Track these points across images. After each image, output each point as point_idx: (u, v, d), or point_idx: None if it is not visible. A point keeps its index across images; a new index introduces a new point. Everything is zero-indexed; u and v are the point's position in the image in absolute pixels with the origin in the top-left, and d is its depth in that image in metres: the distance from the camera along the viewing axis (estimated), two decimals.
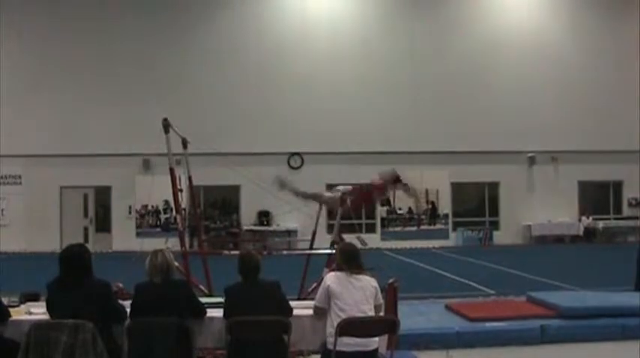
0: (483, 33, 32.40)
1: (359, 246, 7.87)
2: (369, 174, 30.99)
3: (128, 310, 6.94)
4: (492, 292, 15.93)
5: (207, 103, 30.48)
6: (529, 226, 32.17)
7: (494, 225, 32.74)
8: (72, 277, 6.74)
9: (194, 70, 30.98)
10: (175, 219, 11.24)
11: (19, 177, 31.00)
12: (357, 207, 11.35)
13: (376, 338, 7.01)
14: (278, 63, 31.32)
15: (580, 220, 32.57)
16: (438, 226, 32.52)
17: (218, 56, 31.15)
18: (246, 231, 30.97)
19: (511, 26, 32.54)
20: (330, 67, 31.44)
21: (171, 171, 10.36)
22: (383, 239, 31.35)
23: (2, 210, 30.92)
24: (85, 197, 31.49)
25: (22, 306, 7.86)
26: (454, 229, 32.36)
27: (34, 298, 8.27)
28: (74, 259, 6.82)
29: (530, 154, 32.08)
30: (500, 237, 32.07)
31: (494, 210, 32.96)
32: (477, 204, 33.33)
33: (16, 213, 30.59)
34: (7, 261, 25.42)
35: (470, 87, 31.80)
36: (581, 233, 32.30)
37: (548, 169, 32.26)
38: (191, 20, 31.24)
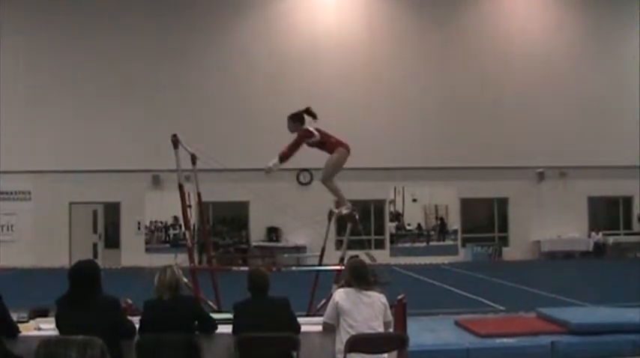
0: (492, 49, 32.39)
1: (368, 261, 7.85)
2: (379, 191, 31.15)
3: (137, 326, 6.93)
4: (502, 308, 15.87)
5: (217, 119, 30.49)
6: (538, 242, 32.06)
7: (504, 241, 32.64)
8: (81, 293, 6.72)
9: (203, 87, 31.01)
10: (184, 235, 11.23)
11: (29, 192, 31.07)
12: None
13: (385, 355, 7.01)
14: (287, 79, 31.31)
15: (590, 236, 32.47)
16: (448, 242, 32.43)
17: (227, 73, 31.20)
18: (255, 247, 30.92)
19: (520, 42, 32.52)
20: (339, 83, 31.43)
21: (181, 187, 10.35)
22: (392, 255, 31.23)
23: (12, 226, 30.98)
24: (95, 213, 31.52)
25: (32, 322, 7.86)
26: (463, 245, 32.27)
27: (43, 314, 8.26)
28: (83, 275, 6.81)
29: (539, 170, 32.02)
30: (509, 253, 31.96)
31: (504, 226, 32.87)
32: (486, 220, 33.23)
33: (25, 228, 30.65)
34: (17, 277, 25.45)
35: (478, 103, 31.81)
36: (591, 248, 32.16)
37: (558, 185, 32.17)
38: (200, 37, 31.28)
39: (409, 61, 32.17)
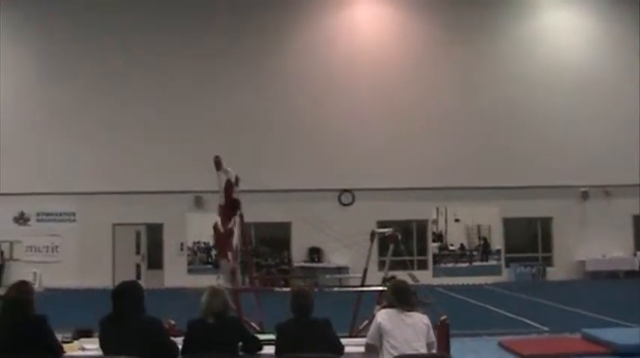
0: (533, 64, 32.20)
1: (410, 282, 7.83)
2: (421, 211, 31.07)
3: (180, 346, 6.96)
4: (546, 329, 15.74)
5: (258, 141, 30.59)
6: (583, 261, 31.69)
7: (548, 261, 32.29)
8: (124, 313, 6.78)
9: (245, 108, 31.12)
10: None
11: (73, 214, 31.39)
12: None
13: None
14: (327, 99, 31.37)
15: (635, 255, 32.06)
16: (491, 262, 32.16)
17: (268, 95, 31.31)
18: (297, 267, 30.90)
19: (562, 57, 32.27)
20: (378, 102, 31.43)
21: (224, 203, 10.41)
22: (435, 275, 31.06)
23: (57, 247, 31.31)
24: (138, 234, 31.71)
25: (76, 342, 7.92)
26: (507, 265, 31.94)
27: (87, 334, 8.32)
28: (127, 295, 6.88)
29: (583, 189, 31.71)
30: (553, 273, 31.61)
31: (548, 246, 32.54)
32: (530, 240, 32.92)
33: (69, 249, 30.95)
34: (61, 297, 25.63)
35: (520, 120, 31.61)
36: (636, 268, 31.71)
37: (602, 204, 31.76)
38: (242, 62, 31.45)
39: (448, 79, 32.09)
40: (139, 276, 29.67)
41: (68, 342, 7.77)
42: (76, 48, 31.62)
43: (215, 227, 10.86)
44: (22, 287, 6.91)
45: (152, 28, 31.60)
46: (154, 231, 31.59)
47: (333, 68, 31.87)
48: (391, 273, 10.29)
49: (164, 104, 31.04)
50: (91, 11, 31.73)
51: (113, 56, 31.49)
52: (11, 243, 31.26)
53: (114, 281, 29.02)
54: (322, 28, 32.36)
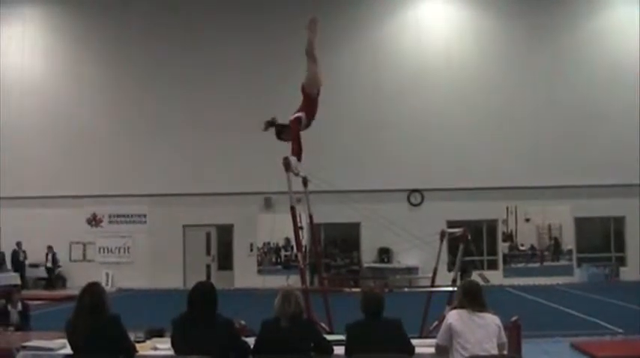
0: (602, 62, 31.52)
1: (481, 283, 7.77)
2: (491, 210, 30.80)
3: (251, 347, 7.00)
4: (620, 331, 15.49)
5: (327, 141, 30.50)
6: None
7: (621, 261, 31.73)
8: (199, 314, 6.86)
9: None
10: (296, 256, 11.34)
11: (145, 216, 31.86)
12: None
13: None
14: (397, 100, 31.28)
15: None
16: (562, 262, 31.75)
17: (337, 94, 31.22)
18: (367, 268, 30.88)
19: (631, 53, 31.52)
20: (448, 102, 31.24)
21: (292, 209, 10.45)
22: (505, 276, 30.80)
23: (128, 248, 31.85)
24: (208, 235, 32.03)
25: (148, 342, 8.03)
26: (579, 265, 31.48)
27: (159, 334, 8.43)
28: (203, 296, 6.96)
29: None
30: (627, 273, 31.06)
31: (621, 246, 31.95)
32: (602, 240, 32.39)
33: (141, 250, 31.47)
34: (133, 297, 26.05)
35: (590, 118, 31.00)
36: None
37: None
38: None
39: (519, 78, 31.72)
40: (209, 277, 29.93)
41: (141, 342, 7.89)
42: (147, 52, 32.12)
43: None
44: (94, 288, 7.01)
45: (228, 28, 31.88)
46: (224, 232, 31.86)
47: (403, 71, 31.74)
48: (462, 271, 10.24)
49: (236, 106, 31.19)
50: (166, 12, 32.32)
51: (185, 60, 31.92)
52: (84, 245, 31.86)
53: (184, 281, 29.45)
54: (392, 29, 32.27)
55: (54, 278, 31.20)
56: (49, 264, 31.23)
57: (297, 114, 10.87)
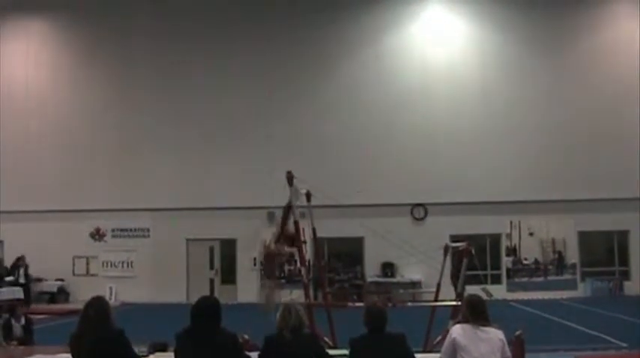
0: (608, 77, 31.55)
1: (484, 297, 7.77)
2: (495, 225, 30.75)
3: None
4: (624, 345, 15.45)
5: (330, 156, 30.64)
6: None
7: (625, 275, 31.64)
8: (202, 328, 6.85)
9: (317, 123, 31.26)
10: (300, 271, 11.34)
11: (148, 230, 31.85)
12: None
13: None
14: (399, 114, 31.28)
15: None
16: (566, 276, 31.65)
17: (340, 109, 31.39)
18: (370, 282, 30.83)
19: (633, 67, 31.07)
20: (450, 116, 31.23)
21: (296, 223, 10.47)
22: (509, 290, 30.75)
23: (132, 262, 31.82)
24: (211, 249, 32.00)
25: (151, 356, 8.04)
26: (582, 279, 31.38)
27: (162, 348, 8.44)
28: (207, 311, 6.94)
29: None
30: (631, 288, 30.96)
31: (624, 260, 31.87)
32: (606, 254, 32.30)
33: (144, 265, 31.43)
34: (136, 312, 26.01)
35: (595, 132, 30.98)
36: None
37: None
38: (313, 74, 31.67)
39: (521, 92, 31.67)
40: (212, 291, 29.86)
41: (144, 356, 7.89)
42: (151, 66, 32.23)
43: (267, 246, 11.12)
44: (98, 302, 6.99)
45: (234, 41, 31.94)
46: (228, 246, 31.83)
47: (405, 86, 31.72)
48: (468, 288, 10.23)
49: (239, 121, 31.32)
50: (170, 27, 32.39)
51: (189, 75, 32.01)
52: (88, 259, 31.84)
53: (188, 295, 29.42)
54: (394, 43, 32.32)
55: (31, 296, 28.50)
56: (22, 280, 28.56)
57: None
